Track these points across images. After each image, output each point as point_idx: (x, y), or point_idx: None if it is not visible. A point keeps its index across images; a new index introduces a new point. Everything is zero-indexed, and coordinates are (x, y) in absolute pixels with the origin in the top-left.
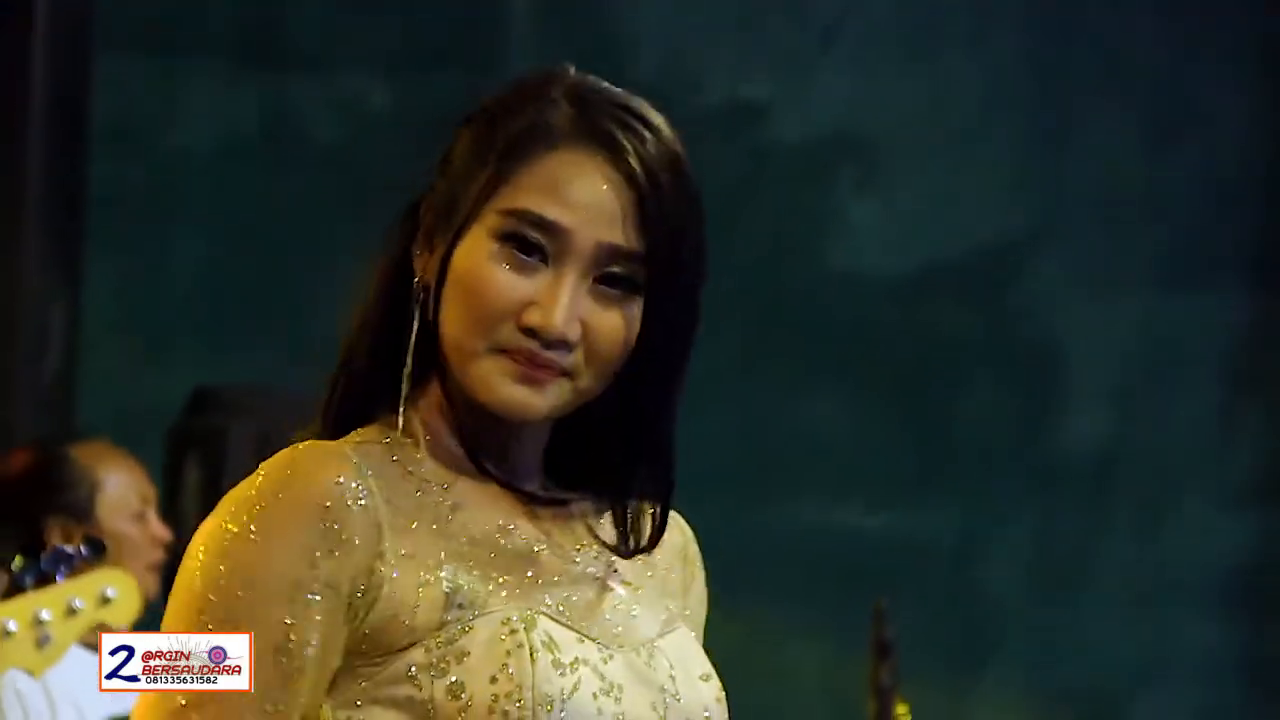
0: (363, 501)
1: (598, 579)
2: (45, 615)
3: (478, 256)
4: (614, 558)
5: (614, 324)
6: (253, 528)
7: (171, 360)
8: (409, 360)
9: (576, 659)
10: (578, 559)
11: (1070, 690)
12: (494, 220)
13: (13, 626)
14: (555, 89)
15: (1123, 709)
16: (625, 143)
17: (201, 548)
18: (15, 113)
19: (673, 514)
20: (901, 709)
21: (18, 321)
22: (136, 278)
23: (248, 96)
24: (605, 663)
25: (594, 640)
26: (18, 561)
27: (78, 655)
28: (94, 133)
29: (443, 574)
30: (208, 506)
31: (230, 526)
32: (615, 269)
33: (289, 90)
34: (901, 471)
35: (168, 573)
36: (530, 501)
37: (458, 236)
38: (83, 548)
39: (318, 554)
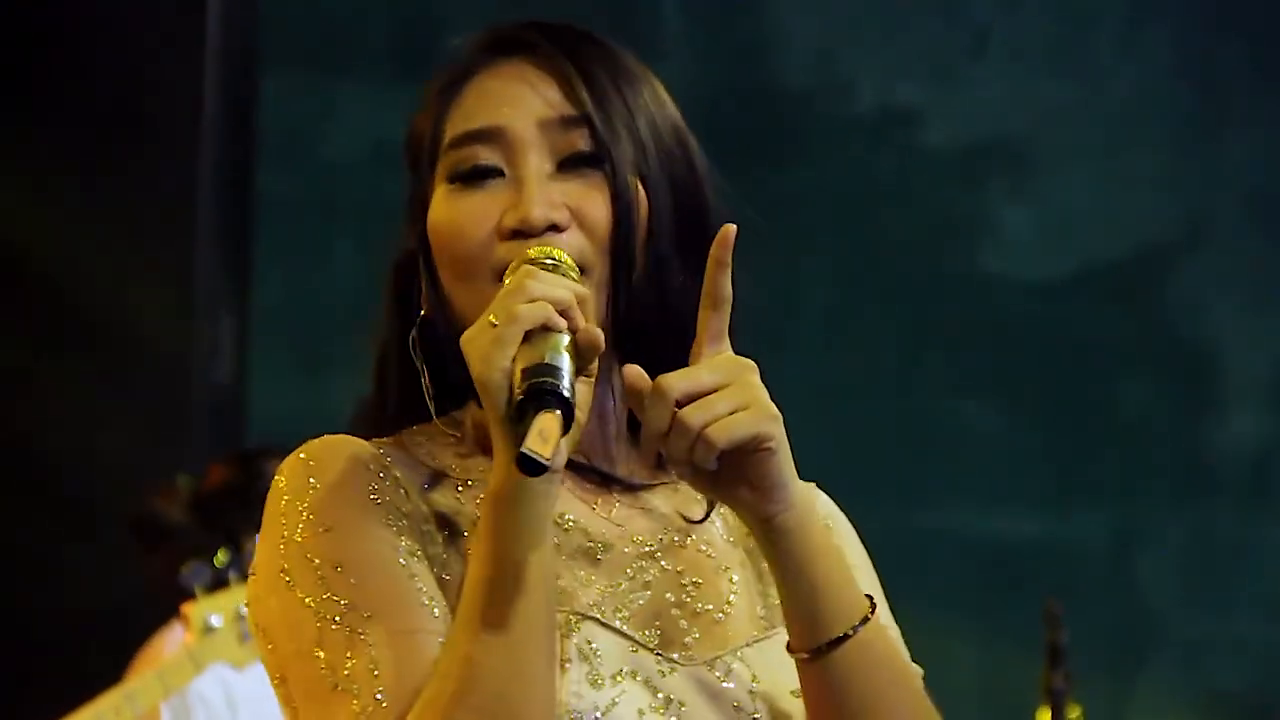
0: (388, 474)
1: (679, 575)
2: (246, 611)
3: (438, 207)
4: (706, 544)
5: (594, 196)
6: (311, 517)
7: (338, 368)
8: (427, 387)
9: (622, 671)
10: (657, 552)
11: (1229, 693)
12: (442, 168)
13: (216, 621)
14: (471, 39)
15: None
16: (534, 39)
17: (282, 565)
18: (189, 128)
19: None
20: (1074, 713)
21: (190, 330)
22: (303, 286)
23: (403, 108)
24: (663, 676)
25: (651, 650)
26: (221, 556)
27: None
28: (261, 146)
29: None
30: None
31: (297, 536)
32: (573, 148)
33: None
34: (1056, 474)
35: None
36: (604, 484)
37: (424, 209)
38: None
39: (373, 498)
